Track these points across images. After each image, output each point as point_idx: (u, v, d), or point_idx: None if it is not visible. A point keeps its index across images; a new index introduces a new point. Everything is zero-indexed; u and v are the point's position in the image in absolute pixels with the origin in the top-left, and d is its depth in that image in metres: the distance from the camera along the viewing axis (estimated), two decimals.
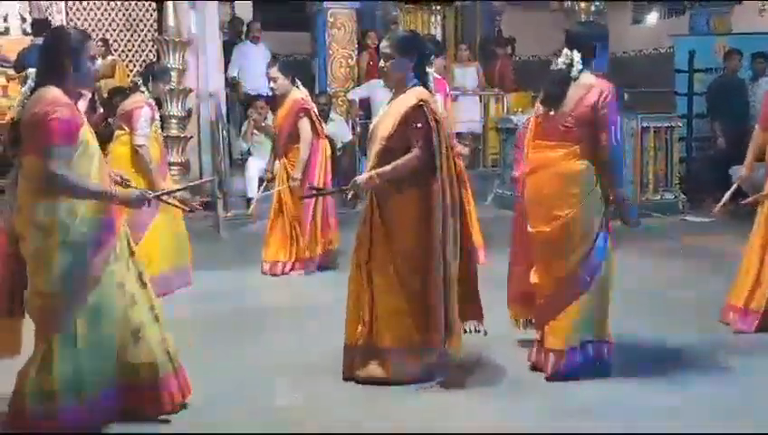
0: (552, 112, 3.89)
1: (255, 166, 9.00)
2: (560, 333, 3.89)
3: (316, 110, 6.53)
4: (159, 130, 6.09)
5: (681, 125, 9.40)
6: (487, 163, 11.21)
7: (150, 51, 10.31)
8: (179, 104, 9.09)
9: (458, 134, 9.52)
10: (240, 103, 10.74)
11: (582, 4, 9.10)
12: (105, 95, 8.70)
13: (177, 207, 4.40)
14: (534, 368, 4.04)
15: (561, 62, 3.92)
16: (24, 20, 10.25)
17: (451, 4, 13.31)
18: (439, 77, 6.14)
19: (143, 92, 5.83)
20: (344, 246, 5.95)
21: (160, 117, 6.59)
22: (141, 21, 10.42)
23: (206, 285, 5.97)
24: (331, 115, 9.67)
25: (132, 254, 3.49)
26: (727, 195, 5.05)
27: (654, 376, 4.00)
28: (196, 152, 9.55)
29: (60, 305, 3.25)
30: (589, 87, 3.84)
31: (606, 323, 3.97)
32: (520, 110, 10.56)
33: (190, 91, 9.27)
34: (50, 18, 9.95)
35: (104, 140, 4.83)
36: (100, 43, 8.96)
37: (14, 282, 3.40)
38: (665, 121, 9.11)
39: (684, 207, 9.05)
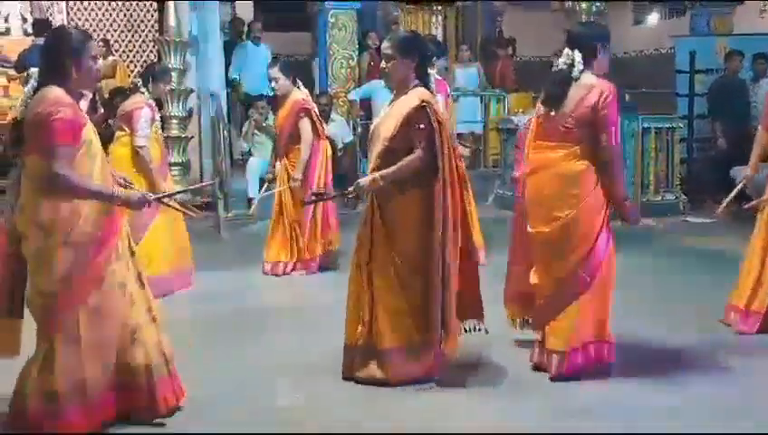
0: (552, 113, 3.89)
1: (256, 166, 9.01)
2: (561, 334, 3.88)
3: (317, 110, 6.53)
4: (160, 131, 6.09)
5: (682, 126, 9.39)
6: (488, 164, 11.20)
7: (151, 51, 10.32)
8: (180, 105, 9.10)
9: (459, 135, 9.52)
10: (241, 103, 10.76)
11: (583, 5, 9.08)
12: (106, 96, 8.70)
13: (177, 210, 4.40)
14: (537, 368, 4.03)
15: (561, 62, 3.91)
16: (25, 20, 10.27)
17: (452, 5, 13.33)
18: (440, 78, 6.14)
19: (143, 93, 5.83)
20: (345, 247, 5.95)
21: (161, 117, 6.60)
22: (142, 21, 10.43)
23: (207, 286, 5.97)
24: (331, 116, 9.68)
25: (133, 254, 3.49)
26: (731, 195, 5.05)
27: (654, 376, 4.00)
28: (197, 153, 9.56)
29: (61, 305, 3.24)
30: (589, 87, 3.83)
31: (606, 323, 3.97)
32: (521, 110, 10.57)
33: (191, 91, 9.29)
34: (51, 18, 9.97)
35: (105, 140, 4.83)
36: (101, 44, 8.95)
37: (15, 282, 3.40)
38: (666, 122, 9.11)
39: (685, 208, 9.04)
